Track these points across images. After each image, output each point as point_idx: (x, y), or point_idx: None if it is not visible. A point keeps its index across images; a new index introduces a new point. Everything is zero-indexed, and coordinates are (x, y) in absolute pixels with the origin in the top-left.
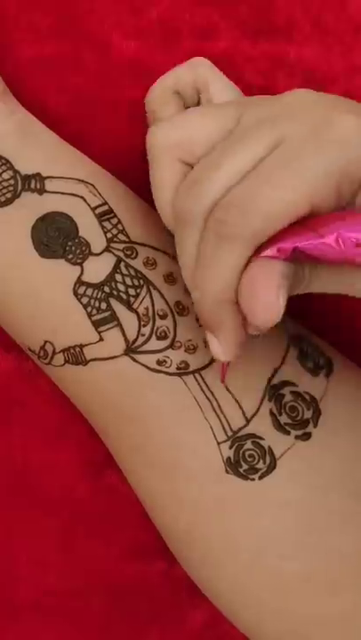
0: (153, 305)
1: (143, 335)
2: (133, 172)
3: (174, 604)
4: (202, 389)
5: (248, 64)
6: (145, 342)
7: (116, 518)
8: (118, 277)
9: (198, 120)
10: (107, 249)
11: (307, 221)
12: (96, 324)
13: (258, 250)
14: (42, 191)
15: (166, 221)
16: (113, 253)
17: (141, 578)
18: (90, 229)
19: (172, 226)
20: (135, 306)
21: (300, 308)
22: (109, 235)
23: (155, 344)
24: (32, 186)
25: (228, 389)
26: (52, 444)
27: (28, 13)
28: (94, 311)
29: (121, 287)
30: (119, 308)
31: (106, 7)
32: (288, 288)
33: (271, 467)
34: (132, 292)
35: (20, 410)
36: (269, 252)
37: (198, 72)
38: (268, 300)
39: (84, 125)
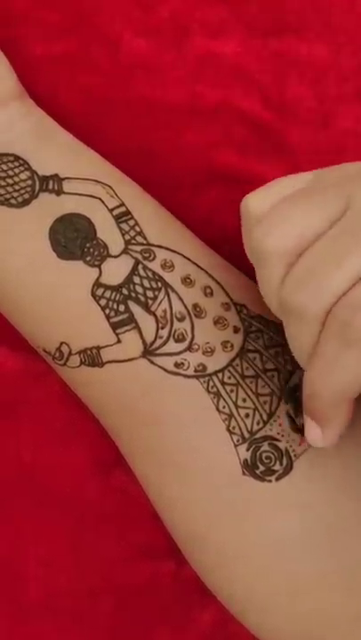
0: (171, 307)
1: (161, 337)
2: (144, 170)
3: (183, 604)
4: (219, 392)
5: (258, 63)
6: (163, 345)
7: (125, 518)
8: (136, 279)
9: (303, 215)
10: (125, 251)
11: None
12: (114, 326)
13: None
14: (59, 192)
15: (274, 310)
16: (131, 255)
17: (150, 578)
18: (108, 231)
19: (279, 314)
20: (153, 308)
21: None
22: (127, 237)
23: (172, 346)
24: (50, 187)
25: (245, 391)
26: (61, 444)
27: (38, 11)
28: (112, 313)
29: (139, 289)
30: (137, 311)
31: (116, 5)
32: None
33: (288, 468)
34: (150, 294)
35: (29, 409)
36: None
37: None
38: None
39: (94, 123)
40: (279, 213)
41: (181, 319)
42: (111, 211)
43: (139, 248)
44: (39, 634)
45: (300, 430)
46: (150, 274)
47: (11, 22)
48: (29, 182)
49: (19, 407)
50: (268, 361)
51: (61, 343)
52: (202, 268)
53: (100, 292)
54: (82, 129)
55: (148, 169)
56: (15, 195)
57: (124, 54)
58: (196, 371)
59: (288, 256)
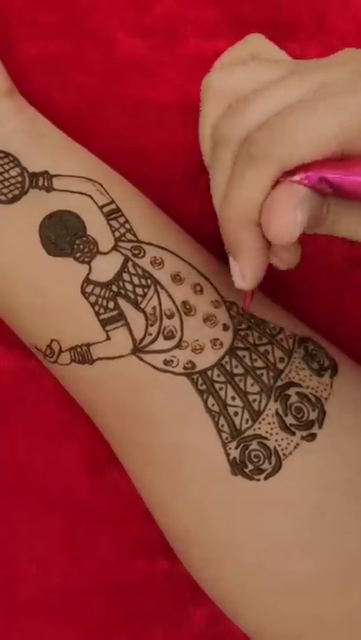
0: (160, 304)
1: (150, 335)
2: (137, 170)
3: (177, 602)
4: (208, 389)
5: None
6: (152, 342)
7: (119, 517)
8: (126, 277)
9: (254, 69)
10: (114, 248)
11: (340, 162)
12: (103, 323)
13: (286, 174)
14: (50, 189)
15: (205, 157)
16: (121, 252)
17: (144, 576)
18: (98, 228)
19: (208, 160)
20: (142, 305)
21: (304, 308)
22: (117, 234)
23: (162, 344)
24: (40, 183)
25: (234, 390)
26: (55, 443)
27: (33, 11)
28: (102, 310)
29: (129, 286)
30: (127, 308)
31: (110, 5)
32: (308, 215)
33: (277, 467)
34: (139, 291)
35: (23, 408)
36: (296, 177)
37: (255, 46)
38: (284, 218)
39: (88, 123)
40: (235, 65)
41: (171, 316)
42: (101, 208)
43: (129, 245)
44: (33, 632)
45: (289, 429)
46: (140, 271)
47: (5, 22)
48: (19, 179)
49: (13, 406)
50: (258, 359)
51: (52, 340)
52: (192, 266)
53: (89, 288)
54: (76, 128)
55: (141, 168)
56: (5, 191)
57: (118, 54)
58: (185, 368)
59: (227, 95)
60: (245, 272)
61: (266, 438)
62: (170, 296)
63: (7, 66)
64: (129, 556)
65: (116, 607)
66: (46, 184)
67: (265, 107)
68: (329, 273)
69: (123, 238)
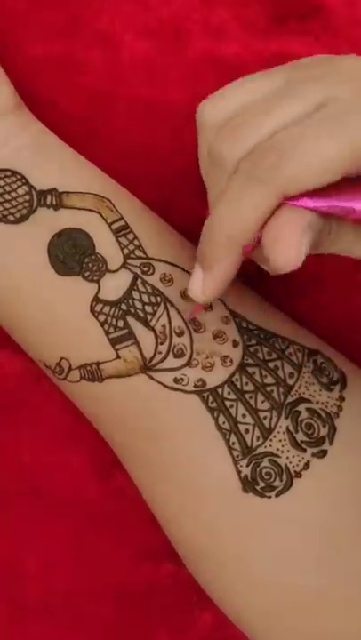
0: (170, 322)
1: (160, 353)
2: (143, 171)
3: (183, 606)
4: (219, 407)
5: (259, 65)
6: (162, 360)
7: (125, 520)
8: (135, 295)
9: (246, 90)
10: (124, 265)
11: (346, 184)
12: (113, 342)
13: (288, 198)
14: (58, 207)
15: (203, 174)
16: (130, 270)
17: (150, 580)
18: (107, 245)
19: (205, 178)
20: (152, 323)
21: (314, 308)
22: (126, 250)
23: (172, 362)
24: (48, 201)
25: (244, 407)
26: (62, 446)
27: (39, 12)
28: (111, 329)
29: (138, 304)
30: (136, 326)
31: (116, 6)
32: (312, 240)
33: (288, 484)
34: (148, 309)
35: (30, 412)
36: (302, 202)
37: None
38: (291, 245)
39: (95, 124)
40: (223, 89)
41: (180, 334)
42: (110, 225)
43: (138, 262)
44: (38, 634)
45: (300, 446)
46: (149, 288)
47: (11, 23)
48: (27, 197)
49: (19, 409)
50: (268, 375)
51: (61, 358)
52: None
53: (98, 307)
54: (82, 129)
55: (147, 169)
56: (13, 211)
57: (125, 56)
58: (195, 386)
59: (223, 115)
60: (209, 287)
61: (277, 455)
62: (179, 313)
63: (13, 67)
64: (135, 559)
65: (121, 611)
66: (54, 202)
67: (268, 124)
68: (339, 271)
69: (132, 255)
